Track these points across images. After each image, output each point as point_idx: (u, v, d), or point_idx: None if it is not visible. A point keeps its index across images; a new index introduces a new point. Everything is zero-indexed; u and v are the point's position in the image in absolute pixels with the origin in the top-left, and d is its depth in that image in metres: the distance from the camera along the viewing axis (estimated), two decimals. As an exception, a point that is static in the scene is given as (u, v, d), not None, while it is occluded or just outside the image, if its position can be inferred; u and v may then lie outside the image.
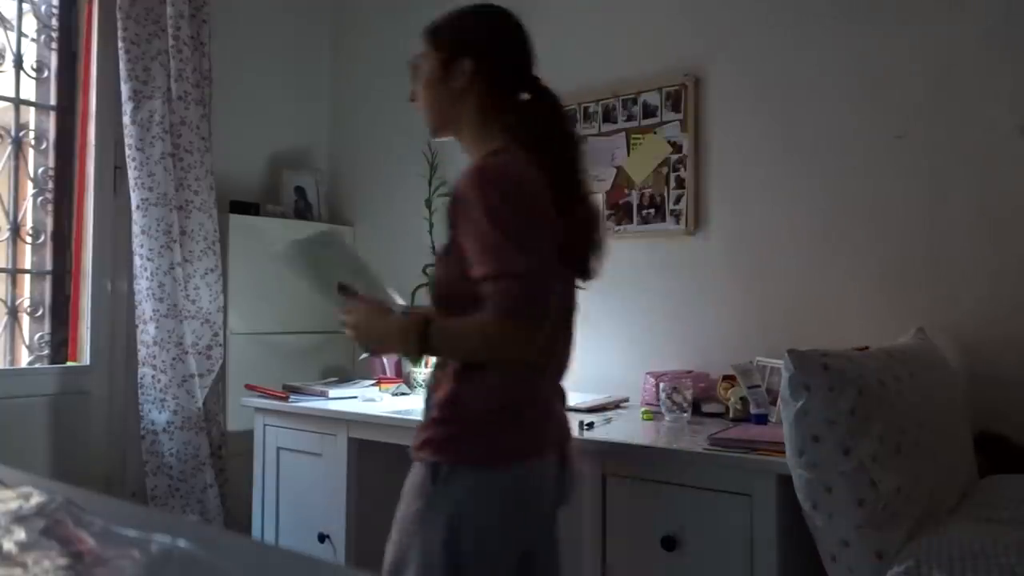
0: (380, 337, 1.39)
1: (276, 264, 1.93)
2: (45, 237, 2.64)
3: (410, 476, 1.34)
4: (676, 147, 2.45)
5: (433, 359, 1.44)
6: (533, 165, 1.33)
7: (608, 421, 2.06)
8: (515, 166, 1.31)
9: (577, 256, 1.42)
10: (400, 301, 1.47)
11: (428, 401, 1.38)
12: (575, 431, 1.90)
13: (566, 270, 1.42)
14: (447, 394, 1.32)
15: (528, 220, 1.27)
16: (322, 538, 2.34)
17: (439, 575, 1.25)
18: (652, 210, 2.50)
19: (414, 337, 1.29)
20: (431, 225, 2.92)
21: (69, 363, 2.63)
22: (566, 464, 1.43)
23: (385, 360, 2.82)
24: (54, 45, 2.67)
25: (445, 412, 1.32)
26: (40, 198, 2.64)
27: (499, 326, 1.22)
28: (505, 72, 1.43)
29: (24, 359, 2.60)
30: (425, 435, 1.33)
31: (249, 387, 2.59)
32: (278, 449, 2.48)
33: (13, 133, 2.56)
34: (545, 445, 1.36)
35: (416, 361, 1.37)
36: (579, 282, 1.47)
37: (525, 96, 1.44)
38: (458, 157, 2.97)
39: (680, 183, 2.44)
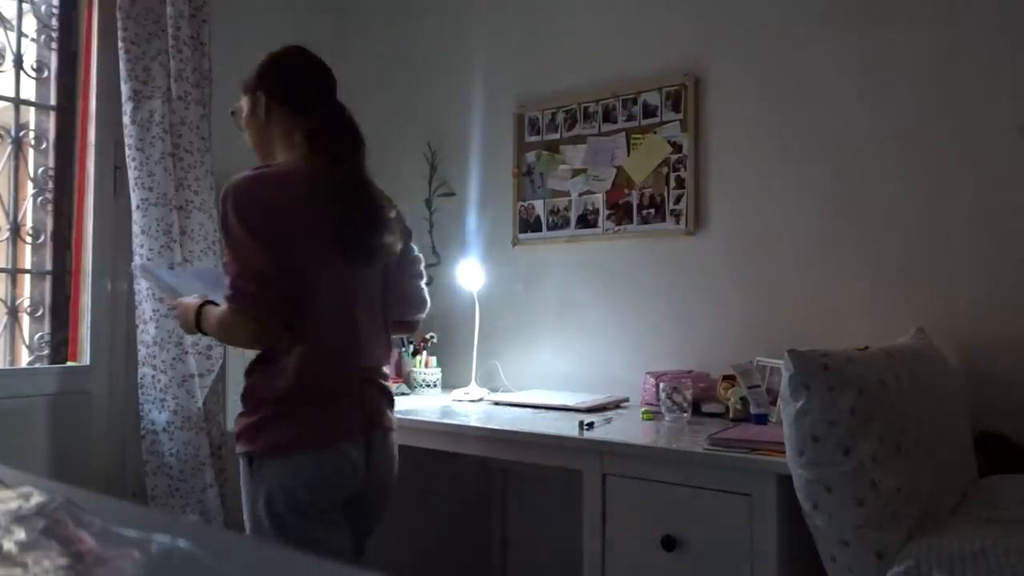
0: (183, 318, 1.68)
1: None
2: (45, 237, 2.64)
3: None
4: (676, 147, 2.45)
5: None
6: (319, 169, 1.57)
7: (608, 421, 2.06)
8: (251, 181, 1.55)
9: (356, 245, 1.58)
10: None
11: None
12: (575, 431, 1.91)
13: (342, 262, 1.57)
14: (244, 387, 1.59)
15: (250, 231, 1.49)
16: (322, 538, 2.34)
17: (273, 533, 1.52)
18: (652, 210, 2.50)
19: (192, 318, 1.63)
20: (431, 225, 2.92)
21: (69, 363, 2.63)
22: (371, 447, 1.61)
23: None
24: (54, 45, 2.66)
25: (245, 404, 1.58)
26: (40, 198, 2.63)
27: (229, 315, 1.52)
28: (293, 96, 1.65)
29: (24, 359, 2.60)
30: (237, 427, 1.58)
31: (249, 387, 2.58)
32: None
33: (13, 133, 2.56)
34: (337, 433, 1.55)
35: (192, 333, 1.70)
36: (363, 266, 1.63)
37: (318, 113, 1.64)
38: (459, 157, 2.98)
39: (680, 183, 2.44)
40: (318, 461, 1.53)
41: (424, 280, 1.90)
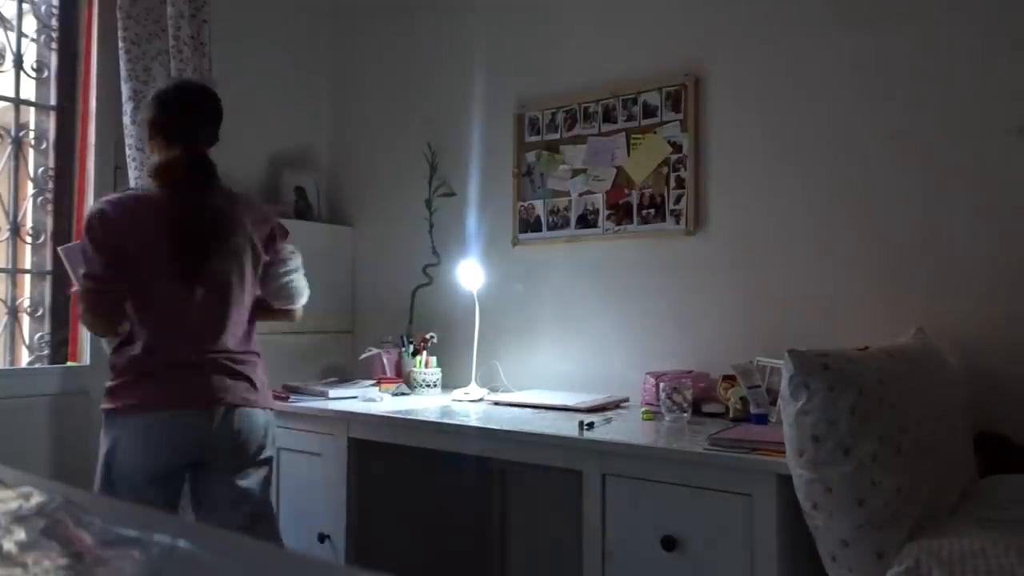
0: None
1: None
2: (45, 237, 2.64)
3: None
4: (676, 147, 2.45)
5: None
6: (163, 199, 1.89)
7: (608, 421, 2.06)
8: (107, 205, 1.88)
9: (181, 271, 1.88)
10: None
11: None
12: (575, 431, 1.91)
13: (177, 268, 1.87)
14: (109, 361, 1.93)
15: (100, 245, 1.84)
16: (322, 538, 2.34)
17: (101, 482, 1.86)
18: (652, 210, 2.50)
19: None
20: (431, 225, 2.92)
21: (69, 363, 2.63)
22: (214, 418, 1.87)
23: (385, 360, 2.82)
24: (54, 45, 2.66)
25: (109, 373, 1.91)
26: (40, 198, 2.63)
27: (80, 310, 1.94)
28: (160, 130, 1.96)
29: (24, 359, 2.60)
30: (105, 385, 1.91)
31: (249, 387, 2.59)
32: (278, 449, 2.47)
33: (13, 133, 2.56)
34: (169, 401, 1.84)
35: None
36: (190, 288, 1.90)
37: (175, 149, 1.94)
38: (459, 157, 2.98)
39: (680, 183, 2.44)
40: (158, 419, 1.84)
41: (299, 273, 2.13)
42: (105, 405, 1.88)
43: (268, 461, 2.00)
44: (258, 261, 2.03)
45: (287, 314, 2.16)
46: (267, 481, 2.00)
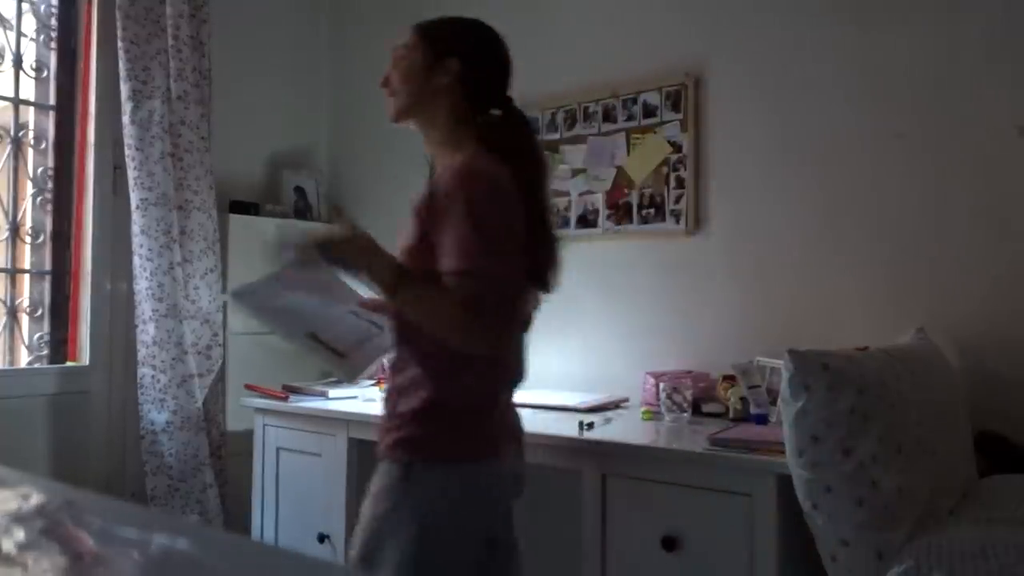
0: (362, 252, 1.39)
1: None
2: (45, 237, 2.64)
3: (378, 476, 1.39)
4: (676, 147, 2.45)
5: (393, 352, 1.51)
6: (518, 178, 1.38)
7: (608, 421, 2.06)
8: (503, 173, 1.36)
9: (540, 270, 1.48)
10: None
11: (395, 401, 1.42)
12: (575, 431, 1.91)
13: (529, 283, 1.47)
14: (429, 394, 1.36)
15: (506, 226, 1.33)
16: (322, 538, 2.34)
17: (413, 567, 1.31)
18: (652, 210, 2.50)
19: (389, 271, 1.35)
20: (431, 225, 2.92)
21: (69, 363, 2.63)
22: (521, 460, 1.54)
23: (385, 361, 2.81)
24: (53, 45, 2.66)
25: (427, 412, 1.36)
26: (40, 198, 2.63)
27: (457, 310, 1.27)
28: (483, 83, 1.48)
29: (24, 359, 2.60)
30: (399, 434, 1.37)
31: (249, 387, 2.58)
32: (278, 449, 2.48)
33: (12, 133, 2.56)
34: (507, 442, 1.46)
35: (373, 288, 1.40)
36: (539, 295, 1.53)
37: (496, 112, 1.49)
38: (458, 157, 2.96)
39: (680, 183, 2.44)
40: (488, 467, 1.41)
41: None
42: (425, 455, 1.35)
43: None
44: None
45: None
46: None
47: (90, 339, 2.63)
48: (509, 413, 1.52)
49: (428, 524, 1.32)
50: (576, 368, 2.64)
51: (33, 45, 2.63)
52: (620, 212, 2.55)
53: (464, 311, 1.26)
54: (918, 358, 1.73)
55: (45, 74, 2.66)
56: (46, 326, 2.64)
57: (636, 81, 2.53)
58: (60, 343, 2.65)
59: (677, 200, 2.45)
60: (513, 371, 1.51)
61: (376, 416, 2.26)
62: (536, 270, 1.46)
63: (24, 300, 2.61)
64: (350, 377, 1.63)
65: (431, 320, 1.33)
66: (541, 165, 1.51)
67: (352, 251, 1.39)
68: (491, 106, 1.48)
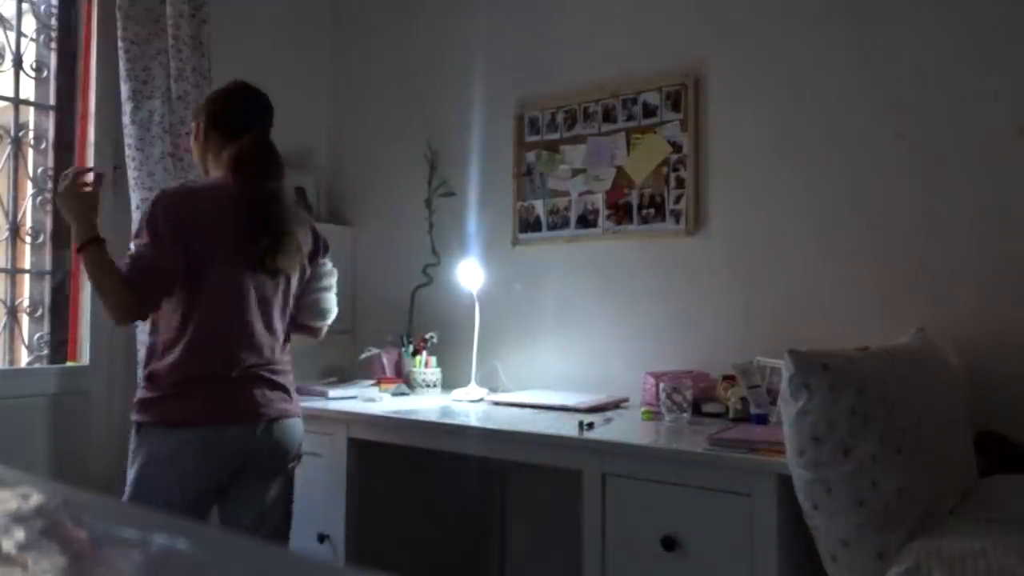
0: (74, 209, 1.77)
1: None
2: (44, 237, 2.64)
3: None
4: (676, 147, 2.45)
5: None
6: (236, 188, 1.83)
7: (608, 421, 2.06)
8: (175, 194, 1.87)
9: (253, 258, 1.81)
10: None
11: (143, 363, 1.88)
12: (575, 431, 1.91)
13: (240, 270, 1.81)
14: (146, 368, 1.83)
15: (160, 226, 1.75)
16: (322, 538, 2.33)
17: (130, 497, 1.74)
18: (652, 210, 2.50)
19: (84, 234, 1.75)
20: (431, 225, 2.92)
21: (69, 363, 2.63)
22: (255, 435, 1.82)
23: (385, 360, 2.82)
24: (53, 45, 2.66)
25: (145, 382, 1.82)
26: (39, 198, 2.63)
27: (120, 281, 1.72)
28: (223, 123, 1.94)
29: (23, 359, 2.60)
30: (136, 398, 1.84)
31: (249, 387, 2.58)
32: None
33: (12, 133, 2.56)
34: (219, 416, 1.78)
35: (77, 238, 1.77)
36: (264, 275, 1.85)
37: (242, 140, 1.89)
38: (459, 157, 2.98)
39: (680, 183, 2.44)
40: (202, 435, 1.76)
41: (332, 291, 2.08)
42: (141, 418, 1.79)
43: (296, 464, 1.95)
44: (304, 271, 1.97)
45: (311, 331, 2.09)
46: (291, 486, 1.95)
47: (90, 339, 2.63)
48: (239, 391, 1.81)
49: (144, 474, 1.76)
50: (576, 368, 2.64)
51: (33, 45, 2.63)
52: (620, 212, 2.55)
53: (122, 280, 1.72)
54: (918, 358, 1.73)
55: (45, 74, 2.66)
56: (46, 326, 2.64)
57: (636, 81, 2.54)
58: (60, 343, 2.65)
59: (677, 200, 2.45)
60: (225, 353, 1.80)
61: (376, 416, 2.27)
62: (253, 252, 1.81)
63: (24, 300, 2.61)
64: None
65: (98, 285, 1.76)
66: (259, 174, 1.88)
67: (64, 205, 1.78)
68: (236, 136, 1.91)
